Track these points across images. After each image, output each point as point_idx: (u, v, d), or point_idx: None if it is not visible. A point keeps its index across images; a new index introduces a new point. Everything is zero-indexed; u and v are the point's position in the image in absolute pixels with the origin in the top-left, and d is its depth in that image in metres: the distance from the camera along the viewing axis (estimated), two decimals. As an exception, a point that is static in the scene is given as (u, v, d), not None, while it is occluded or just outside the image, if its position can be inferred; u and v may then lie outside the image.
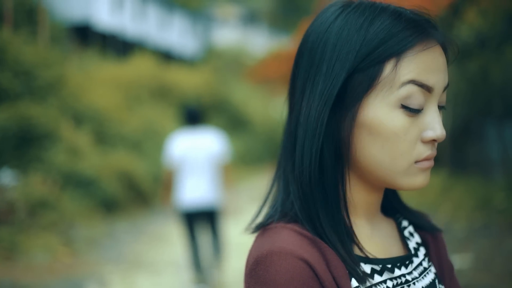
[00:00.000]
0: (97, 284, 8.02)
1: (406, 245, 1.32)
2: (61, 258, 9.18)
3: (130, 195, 13.78)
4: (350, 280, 1.15)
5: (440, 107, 1.20)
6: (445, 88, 1.19)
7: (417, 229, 1.38)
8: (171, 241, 10.82)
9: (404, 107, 1.14)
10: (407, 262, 1.26)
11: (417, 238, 1.35)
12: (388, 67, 1.14)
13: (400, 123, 1.14)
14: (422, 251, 1.33)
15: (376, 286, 1.19)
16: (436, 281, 1.30)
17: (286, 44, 27.47)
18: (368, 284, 1.17)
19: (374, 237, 1.27)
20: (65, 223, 10.40)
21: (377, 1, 1.23)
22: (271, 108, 31.25)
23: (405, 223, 1.37)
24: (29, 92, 11.94)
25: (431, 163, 1.18)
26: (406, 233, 1.35)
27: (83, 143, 12.84)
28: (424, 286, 1.26)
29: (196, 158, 7.53)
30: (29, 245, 9.09)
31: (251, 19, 41.74)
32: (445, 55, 1.20)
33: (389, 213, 1.38)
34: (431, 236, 1.37)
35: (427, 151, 1.16)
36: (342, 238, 1.18)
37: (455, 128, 11.75)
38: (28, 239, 9.22)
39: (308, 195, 1.20)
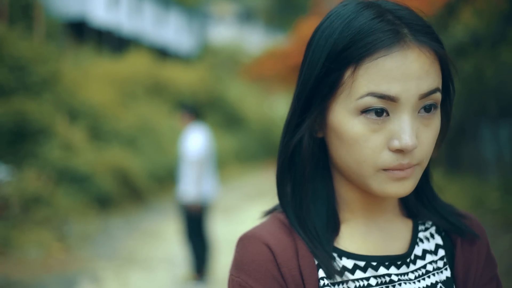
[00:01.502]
0: (90, 280, 8.02)
1: (413, 247, 1.30)
2: (55, 253, 9.18)
3: (124, 192, 13.77)
4: (318, 271, 1.21)
5: (430, 106, 1.16)
6: (426, 95, 1.14)
7: (448, 232, 1.35)
8: (165, 238, 10.83)
9: (365, 115, 1.14)
10: (399, 263, 1.26)
11: (438, 240, 1.33)
12: (347, 74, 1.14)
13: (359, 130, 1.14)
14: (439, 254, 1.31)
15: (356, 282, 1.22)
16: (439, 285, 1.27)
17: (282, 42, 27.43)
18: (340, 279, 1.21)
19: (369, 235, 1.28)
20: (59, 219, 10.39)
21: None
22: (266, 106, 31.26)
23: (428, 224, 1.35)
24: (24, 87, 11.92)
25: (405, 173, 1.15)
26: (421, 235, 1.32)
27: (77, 139, 12.83)
28: None
29: (209, 153, 7.90)
30: (23, 241, 9.08)
31: (247, 17, 41.71)
32: (438, 59, 1.17)
33: (413, 213, 1.36)
34: (461, 240, 1.33)
35: (396, 161, 1.14)
36: (310, 230, 1.25)
37: (450, 128, 11.77)
38: (21, 235, 9.21)
39: (279, 188, 1.31)
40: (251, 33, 40.42)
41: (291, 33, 23.15)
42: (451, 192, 10.91)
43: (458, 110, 11.62)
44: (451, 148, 12.14)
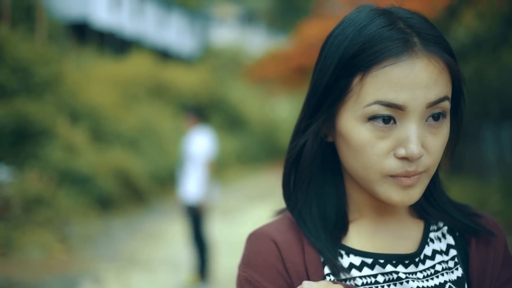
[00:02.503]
0: (91, 281, 8.02)
1: (423, 247, 1.30)
2: (56, 255, 9.18)
3: (125, 193, 13.77)
4: (323, 268, 1.23)
5: (439, 115, 1.16)
6: (434, 103, 1.14)
7: (463, 232, 1.34)
8: (167, 239, 10.83)
9: (372, 122, 1.14)
10: (407, 262, 1.27)
11: (449, 241, 1.33)
12: (355, 81, 1.15)
13: (366, 137, 1.15)
14: (451, 254, 1.31)
15: (363, 278, 1.23)
16: (449, 285, 1.26)
17: (284, 44, 27.42)
18: (345, 276, 1.22)
19: (378, 234, 1.29)
20: (61, 220, 10.39)
21: (383, 4, 1.24)
22: (268, 108, 31.24)
23: (440, 225, 1.35)
24: (26, 89, 11.92)
25: (411, 181, 1.16)
26: (432, 235, 1.33)
27: (79, 140, 12.82)
28: (422, 287, 1.25)
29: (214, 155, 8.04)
30: (24, 242, 9.09)
31: (249, 18, 41.68)
32: (447, 69, 1.16)
33: (425, 215, 1.36)
34: (476, 240, 1.33)
35: (401, 168, 1.15)
36: (316, 229, 1.28)
37: (461, 137, 11.74)
38: (23, 236, 9.21)
39: (285, 189, 1.35)
40: (253, 35, 40.38)
41: (293, 35, 23.13)
42: (453, 194, 10.80)
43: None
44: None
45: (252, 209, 13.68)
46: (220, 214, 12.53)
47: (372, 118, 1.14)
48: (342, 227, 1.29)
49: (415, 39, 1.14)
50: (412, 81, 1.12)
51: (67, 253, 9.42)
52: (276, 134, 28.31)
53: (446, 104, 1.16)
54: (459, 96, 1.25)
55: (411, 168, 1.14)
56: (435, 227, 1.34)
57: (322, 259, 1.24)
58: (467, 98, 1.31)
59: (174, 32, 28.73)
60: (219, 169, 15.72)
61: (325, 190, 1.32)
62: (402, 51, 1.12)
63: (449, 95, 1.17)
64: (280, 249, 1.25)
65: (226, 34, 36.32)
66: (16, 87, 11.72)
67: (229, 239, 9.61)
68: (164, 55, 26.62)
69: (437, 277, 1.27)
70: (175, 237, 10.70)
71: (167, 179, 15.60)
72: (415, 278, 1.25)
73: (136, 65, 20.15)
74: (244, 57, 32.94)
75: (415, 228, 1.33)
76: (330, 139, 1.27)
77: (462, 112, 1.28)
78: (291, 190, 1.33)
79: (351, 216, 1.31)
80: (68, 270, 8.56)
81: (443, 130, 1.18)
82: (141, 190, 14.45)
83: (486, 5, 8.75)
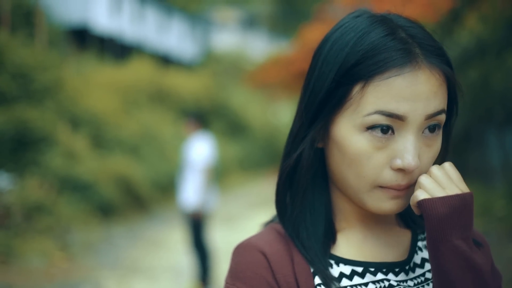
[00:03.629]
0: (93, 290, 8.00)
1: (412, 256, 1.31)
2: (57, 262, 9.16)
3: (127, 200, 13.75)
4: (313, 278, 1.22)
5: (434, 127, 1.17)
6: (433, 115, 1.15)
7: None
8: (168, 246, 10.81)
9: (370, 132, 1.14)
10: (397, 270, 1.26)
11: None
12: (355, 90, 1.14)
13: (363, 147, 1.15)
14: None
15: (354, 287, 1.23)
16: None
17: (286, 49, 27.44)
18: (335, 285, 1.21)
19: (366, 242, 1.29)
20: (62, 228, 10.37)
21: (385, 11, 1.24)
22: (270, 113, 31.26)
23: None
24: (26, 95, 11.91)
25: (400, 193, 1.18)
26: (420, 244, 1.32)
27: (80, 147, 12.82)
28: None
29: (213, 162, 8.02)
30: (25, 249, 9.07)
31: (250, 23, 41.77)
32: (445, 81, 1.17)
33: (412, 224, 1.37)
34: None
35: (394, 181, 1.16)
36: (307, 239, 1.26)
37: (456, 135, 11.71)
38: (24, 243, 9.19)
39: (278, 198, 1.33)
40: (254, 40, 40.45)
41: (294, 39, 23.14)
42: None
43: (463, 116, 11.58)
44: (457, 155, 12.09)
45: (254, 216, 13.64)
46: (222, 221, 12.51)
47: (371, 127, 1.13)
48: (330, 236, 1.28)
49: (417, 50, 1.15)
50: (413, 92, 1.13)
51: (68, 261, 9.40)
52: (278, 140, 28.28)
53: (443, 117, 1.18)
54: (452, 109, 1.25)
55: (403, 181, 1.16)
56: (423, 236, 1.35)
57: (312, 269, 1.23)
58: (471, 102, 1.32)
59: (175, 37, 28.75)
60: (220, 175, 15.69)
61: (315, 198, 1.30)
62: (405, 62, 1.13)
63: (446, 108, 1.20)
64: (269, 261, 1.23)
65: (228, 39, 36.37)
66: (16, 94, 11.71)
67: (231, 246, 9.55)
68: (165, 60, 26.64)
69: (428, 284, 1.27)
70: (177, 244, 10.66)
71: (169, 186, 15.56)
72: (406, 286, 1.25)
73: (136, 71, 20.16)
74: (245, 62, 32.99)
75: (403, 236, 1.34)
76: (320, 145, 1.26)
77: (452, 125, 1.29)
78: (286, 200, 1.31)
79: (338, 225, 1.30)
80: (69, 278, 8.54)
81: (437, 142, 1.20)
82: (143, 197, 14.43)
83: (489, 8, 8.75)
